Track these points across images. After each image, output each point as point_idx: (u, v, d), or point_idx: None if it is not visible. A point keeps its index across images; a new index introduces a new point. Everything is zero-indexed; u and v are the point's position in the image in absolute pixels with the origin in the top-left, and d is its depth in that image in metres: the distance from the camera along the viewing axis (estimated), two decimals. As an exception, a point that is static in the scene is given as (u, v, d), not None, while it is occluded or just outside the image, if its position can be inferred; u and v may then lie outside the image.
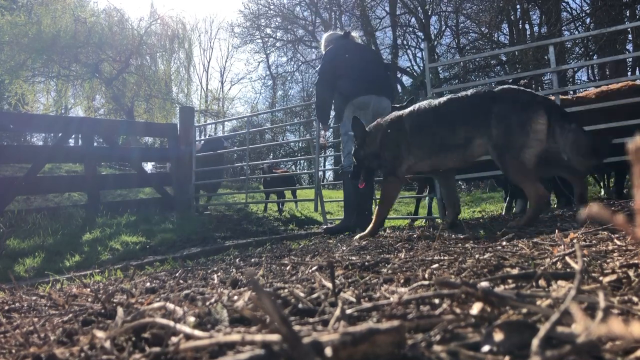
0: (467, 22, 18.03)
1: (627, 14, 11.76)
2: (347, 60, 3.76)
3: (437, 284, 0.82)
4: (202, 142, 7.47)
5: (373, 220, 2.73)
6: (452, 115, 2.49)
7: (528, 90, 2.44)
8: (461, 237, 2.00)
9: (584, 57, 11.86)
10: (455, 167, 2.76)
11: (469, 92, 2.52)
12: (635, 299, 0.73)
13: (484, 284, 0.73)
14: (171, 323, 0.70)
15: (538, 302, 0.71)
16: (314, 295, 0.92)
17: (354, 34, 4.21)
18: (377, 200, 3.18)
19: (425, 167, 2.68)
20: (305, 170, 19.40)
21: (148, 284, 1.65)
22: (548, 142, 2.28)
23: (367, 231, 2.69)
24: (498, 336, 0.57)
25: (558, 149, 2.28)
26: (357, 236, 2.66)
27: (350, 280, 1.16)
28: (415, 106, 2.68)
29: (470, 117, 2.44)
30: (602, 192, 6.14)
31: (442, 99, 2.58)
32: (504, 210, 5.28)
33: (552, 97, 3.99)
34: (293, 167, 21.92)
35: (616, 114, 3.62)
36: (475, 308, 0.69)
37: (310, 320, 0.75)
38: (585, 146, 2.18)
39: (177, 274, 1.88)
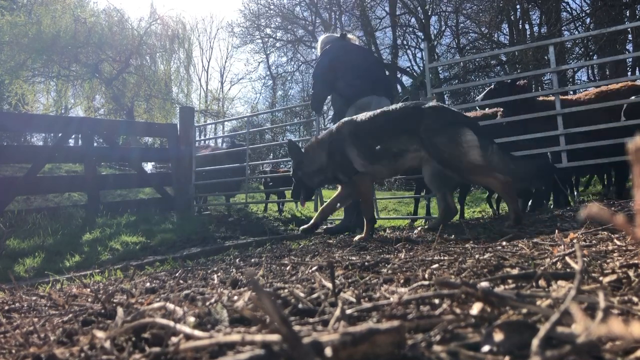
0: (467, 22, 18.07)
1: (627, 14, 11.77)
2: (347, 61, 3.74)
3: (437, 284, 0.82)
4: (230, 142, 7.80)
5: (365, 223, 2.79)
6: (383, 130, 2.62)
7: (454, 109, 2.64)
8: (461, 237, 2.00)
9: (584, 57, 11.87)
10: (389, 177, 2.90)
11: (398, 106, 2.65)
12: (635, 299, 0.73)
13: (484, 284, 0.73)
14: (171, 323, 0.70)
15: (538, 302, 0.71)
16: (314, 296, 0.92)
17: (351, 35, 4.21)
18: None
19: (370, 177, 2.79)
20: (305, 170, 19.36)
21: (148, 284, 1.65)
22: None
23: (364, 234, 2.75)
24: (498, 336, 0.57)
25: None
26: (356, 237, 2.68)
27: (350, 280, 1.16)
28: (351, 119, 2.81)
29: (401, 132, 2.57)
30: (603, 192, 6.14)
31: (376, 112, 2.70)
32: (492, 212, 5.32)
33: (552, 97, 3.99)
34: (293, 167, 21.89)
35: (616, 114, 3.62)
36: (475, 308, 0.69)
37: (310, 320, 0.75)
38: (510, 168, 2.38)
39: (177, 274, 1.88)
